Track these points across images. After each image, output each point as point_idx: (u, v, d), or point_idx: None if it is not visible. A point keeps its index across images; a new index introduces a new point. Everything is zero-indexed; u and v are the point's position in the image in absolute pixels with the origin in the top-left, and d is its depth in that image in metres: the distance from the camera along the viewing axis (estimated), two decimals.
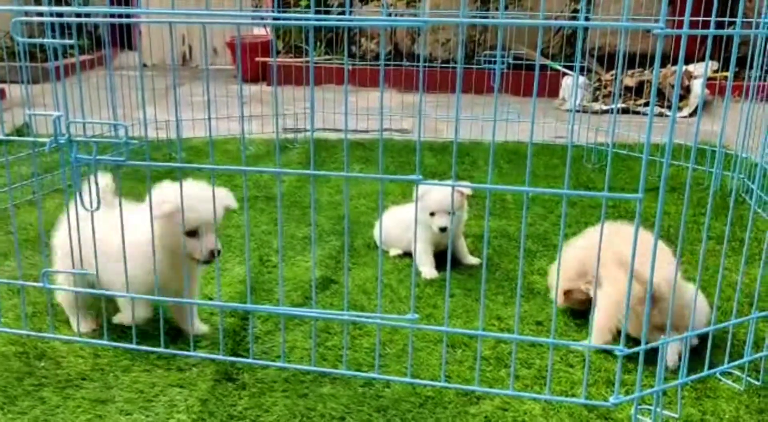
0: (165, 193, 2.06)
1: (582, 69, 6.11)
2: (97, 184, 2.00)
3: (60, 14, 2.06)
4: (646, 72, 6.12)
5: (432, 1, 7.38)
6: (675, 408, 1.95)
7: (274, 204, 3.61)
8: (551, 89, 6.10)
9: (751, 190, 3.71)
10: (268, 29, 7.31)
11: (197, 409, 1.94)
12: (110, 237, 2.07)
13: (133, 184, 3.62)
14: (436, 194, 2.72)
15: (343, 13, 6.97)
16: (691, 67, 6.28)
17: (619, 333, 1.99)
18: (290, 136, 5.02)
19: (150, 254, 2.04)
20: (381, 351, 2.23)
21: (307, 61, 6.29)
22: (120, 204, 2.01)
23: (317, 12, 6.99)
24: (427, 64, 6.39)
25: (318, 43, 7.50)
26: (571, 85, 6.33)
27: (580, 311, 2.46)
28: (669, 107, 5.81)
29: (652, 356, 1.95)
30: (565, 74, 6.51)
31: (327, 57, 7.40)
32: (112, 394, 2.00)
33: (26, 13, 2.09)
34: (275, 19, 4.38)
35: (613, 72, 5.49)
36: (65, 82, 1.95)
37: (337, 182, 3.99)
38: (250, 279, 2.11)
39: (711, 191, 1.97)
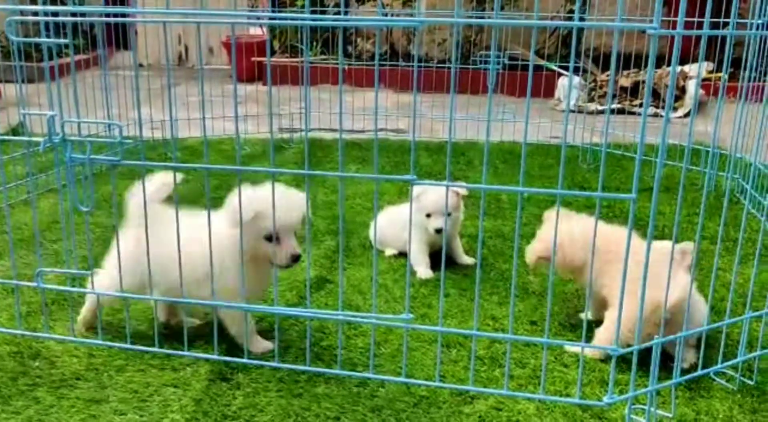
0: (246, 198, 2.00)
1: (577, 69, 6.13)
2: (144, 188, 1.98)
3: (55, 14, 2.06)
4: (641, 72, 6.13)
5: (428, 0, 7.39)
6: (669, 408, 1.96)
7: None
8: (547, 90, 6.12)
9: (745, 190, 3.72)
10: (264, 29, 7.31)
11: (191, 409, 1.93)
12: (191, 247, 2.03)
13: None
14: (432, 195, 2.72)
15: (339, 13, 6.97)
16: (686, 68, 6.30)
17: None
18: (286, 136, 5.02)
19: (236, 262, 2.03)
20: (376, 350, 2.23)
21: (303, 61, 6.30)
22: (208, 210, 1.97)
23: (313, 12, 6.99)
24: (422, 64, 6.39)
25: (314, 43, 7.50)
26: (567, 86, 6.34)
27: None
28: (665, 108, 5.83)
29: (646, 356, 1.96)
30: (560, 75, 6.52)
31: (323, 57, 7.40)
32: (106, 394, 2.00)
33: (21, 13, 2.08)
34: (271, 18, 4.38)
35: (609, 72, 5.50)
36: (60, 82, 1.95)
37: (333, 182, 3.99)
38: (244, 279, 2.11)
39: (705, 191, 1.97)
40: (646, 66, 5.94)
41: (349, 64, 6.08)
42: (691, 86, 6.15)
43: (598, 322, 2.33)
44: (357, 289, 2.71)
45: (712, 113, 5.54)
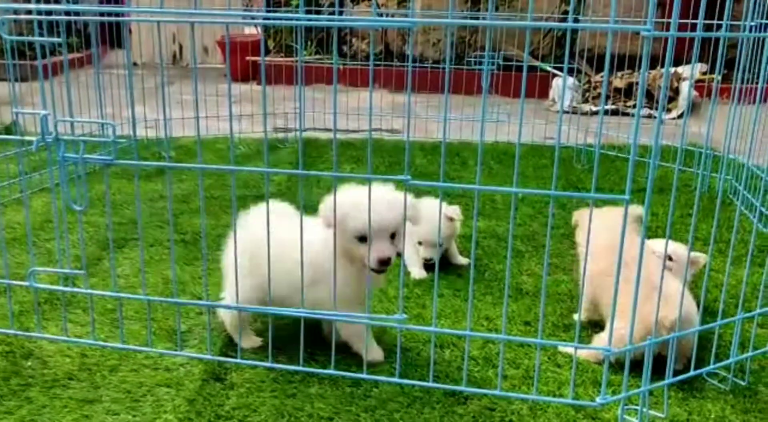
0: (339, 198, 1.94)
1: (571, 70, 6.14)
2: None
3: (49, 12, 2.05)
4: (635, 74, 6.14)
5: (423, 1, 7.39)
6: (661, 408, 1.96)
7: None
8: (541, 90, 6.13)
9: (738, 191, 3.74)
10: (259, 29, 7.30)
11: (184, 409, 1.93)
12: (295, 254, 1.94)
13: (122, 183, 3.62)
14: (425, 224, 2.41)
15: (333, 13, 6.96)
16: (680, 69, 6.32)
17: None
18: (280, 135, 5.01)
19: (342, 267, 1.99)
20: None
21: (298, 61, 6.29)
22: (301, 215, 1.94)
23: (308, 12, 6.98)
24: (417, 64, 6.39)
25: (309, 43, 7.50)
26: (561, 87, 6.35)
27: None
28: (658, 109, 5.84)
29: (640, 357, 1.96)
30: (555, 75, 6.54)
31: (318, 57, 7.40)
32: (99, 394, 1.99)
33: (15, 11, 2.08)
34: (266, 18, 4.38)
35: (603, 73, 5.52)
36: (53, 81, 1.94)
37: (327, 182, 3.99)
38: (238, 279, 2.10)
39: (698, 192, 1.98)
40: (640, 67, 5.96)
41: (344, 64, 6.08)
42: (685, 88, 6.17)
43: (592, 323, 2.34)
44: None
45: (705, 114, 5.56)
